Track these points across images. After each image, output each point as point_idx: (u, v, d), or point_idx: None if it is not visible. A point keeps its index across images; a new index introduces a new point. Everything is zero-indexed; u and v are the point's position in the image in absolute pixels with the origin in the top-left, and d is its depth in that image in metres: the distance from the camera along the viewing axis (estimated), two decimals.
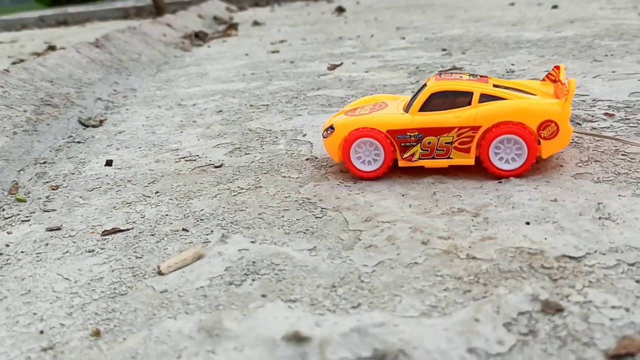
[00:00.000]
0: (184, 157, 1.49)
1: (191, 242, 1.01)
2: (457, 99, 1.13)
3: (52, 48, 4.77)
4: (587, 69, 1.96)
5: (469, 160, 1.15)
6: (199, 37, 4.37)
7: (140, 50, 3.19)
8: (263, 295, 0.83)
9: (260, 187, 1.23)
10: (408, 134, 1.15)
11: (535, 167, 1.16)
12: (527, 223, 0.93)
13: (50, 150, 1.62)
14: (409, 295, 0.78)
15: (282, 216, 1.08)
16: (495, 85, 1.16)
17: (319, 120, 1.69)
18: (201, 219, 1.11)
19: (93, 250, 1.03)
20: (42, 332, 0.80)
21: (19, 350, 0.77)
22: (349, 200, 1.11)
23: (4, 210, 1.25)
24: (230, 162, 1.41)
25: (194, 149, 1.55)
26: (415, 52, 2.75)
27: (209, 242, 1.01)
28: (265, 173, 1.31)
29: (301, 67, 2.68)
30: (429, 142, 1.15)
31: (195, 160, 1.46)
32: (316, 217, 1.05)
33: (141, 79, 2.72)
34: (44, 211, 1.23)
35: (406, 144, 1.16)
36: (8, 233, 1.13)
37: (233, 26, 4.91)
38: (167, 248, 1.00)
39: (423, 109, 1.15)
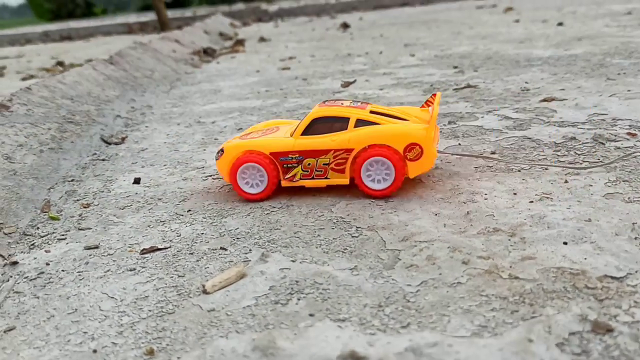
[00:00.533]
0: (210, 176, 1.51)
1: (231, 261, 1.03)
2: (335, 124, 1.25)
3: (60, 63, 4.80)
4: (602, 87, 1.99)
5: (344, 180, 1.25)
6: (207, 53, 4.41)
7: (152, 67, 3.22)
8: (311, 315, 0.84)
9: (292, 205, 1.25)
10: (290, 156, 1.26)
11: (566, 187, 1.18)
12: (565, 243, 0.95)
13: (76, 168, 1.64)
14: (456, 315, 0.80)
15: (319, 235, 1.09)
16: (372, 112, 1.26)
17: None
18: (237, 238, 1.12)
19: (134, 269, 1.04)
20: (95, 351, 0.82)
21: None
22: (382, 220, 1.13)
23: (38, 228, 1.26)
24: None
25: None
26: (427, 69, 2.79)
27: (249, 260, 1.02)
28: (295, 193, 1.33)
29: (314, 84, 2.71)
30: (309, 164, 1.26)
31: (222, 179, 1.48)
32: (352, 237, 1.07)
33: (156, 95, 2.74)
34: (79, 229, 1.24)
35: (288, 165, 1.27)
36: (46, 251, 1.15)
37: (240, 42, 4.96)
38: (207, 267, 1.02)
39: (305, 133, 1.26)
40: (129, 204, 1.36)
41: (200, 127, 2.05)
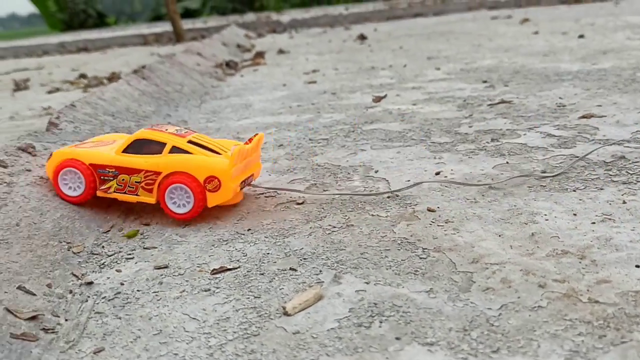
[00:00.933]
0: (262, 194, 1.53)
1: (304, 282, 1.05)
2: (153, 146, 1.37)
3: (83, 76, 4.85)
4: (639, 103, 2.01)
5: (151, 200, 1.37)
6: (230, 66, 4.45)
7: (181, 81, 3.26)
8: (397, 338, 0.86)
9: (352, 225, 1.27)
10: (107, 169, 1.38)
11: (625, 207, 1.20)
12: (638, 266, 0.97)
13: None
14: (545, 340, 0.81)
15: (386, 256, 1.11)
16: (190, 142, 1.38)
17: (384, 156, 1.74)
18: (304, 258, 1.15)
19: (209, 290, 1.06)
20: None
21: None
22: (447, 241, 1.15)
23: (103, 247, 1.29)
24: (311, 199, 1.45)
25: (269, 184, 1.60)
26: (456, 83, 2.81)
27: (322, 282, 1.04)
28: (350, 211, 1.35)
29: (344, 98, 2.74)
30: (123, 179, 1.38)
31: (275, 196, 1.50)
32: (420, 258, 1.09)
33: (189, 110, 2.78)
34: (144, 248, 1.27)
35: (105, 177, 1.39)
36: (117, 271, 1.17)
37: (260, 55, 5.00)
38: (282, 288, 1.04)
39: (126, 150, 1.38)
40: (188, 223, 1.38)
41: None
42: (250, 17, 12.64)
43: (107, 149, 1.43)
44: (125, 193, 1.38)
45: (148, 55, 6.31)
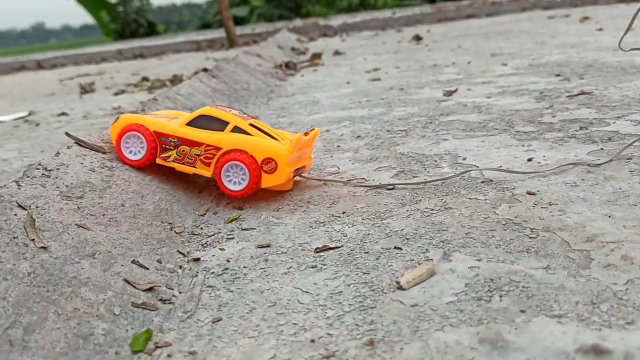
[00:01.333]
0: (350, 180, 1.54)
1: (412, 259, 1.05)
2: (216, 124, 1.42)
3: (145, 79, 4.98)
4: None
5: (208, 173, 1.41)
6: (289, 67, 4.49)
7: (247, 80, 3.31)
8: (522, 311, 0.84)
9: (451, 208, 1.26)
10: (170, 139, 1.43)
11: None
12: None
13: None
14: None
15: (493, 236, 1.10)
16: (251, 125, 1.42)
17: (469, 144, 1.71)
18: (407, 238, 1.14)
19: (316, 266, 1.07)
20: (313, 340, 0.84)
21: (300, 357, 0.81)
22: (555, 222, 1.12)
23: (202, 229, 1.32)
24: (402, 185, 1.44)
25: (356, 172, 1.60)
26: (527, 77, 2.76)
27: (431, 259, 1.03)
28: (445, 195, 1.34)
29: (413, 94, 2.72)
30: (183, 150, 1.42)
31: (363, 182, 1.50)
32: (530, 238, 1.07)
33: (257, 107, 2.82)
34: (242, 230, 1.29)
35: (166, 146, 1.44)
36: (221, 249, 1.19)
37: (317, 56, 5.03)
38: (390, 265, 1.04)
39: (190, 124, 1.43)
40: (281, 207, 1.40)
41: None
42: (298, 22, 12.74)
43: (171, 121, 1.48)
44: (183, 164, 1.42)
45: (203, 59, 6.44)
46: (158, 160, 1.45)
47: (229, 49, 8.17)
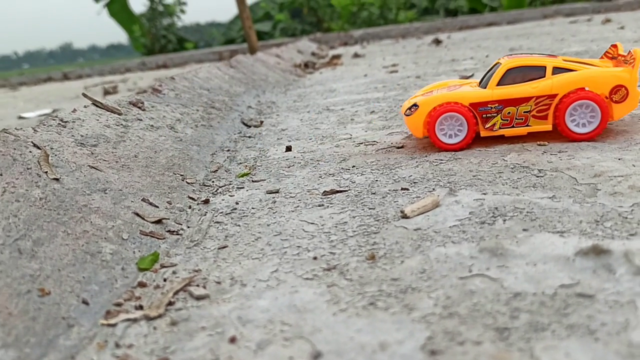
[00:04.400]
0: (362, 143, 1.54)
1: (418, 197, 1.05)
2: (532, 72, 1.26)
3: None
4: None
5: (547, 127, 1.27)
6: (308, 66, 4.53)
7: (265, 73, 3.35)
8: (525, 229, 0.84)
9: (459, 158, 1.26)
10: (489, 105, 1.27)
11: None
12: None
13: (229, 141, 1.73)
14: None
15: (500, 177, 1.10)
16: (564, 60, 1.28)
17: None
18: (414, 182, 1.14)
19: (322, 205, 1.08)
20: (315, 258, 0.85)
21: (302, 270, 0.82)
22: (564, 163, 1.12)
23: (213, 181, 1.34)
24: (412, 144, 1.45)
25: (367, 136, 1.61)
26: None
27: (439, 195, 1.04)
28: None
29: (429, 80, 2.73)
30: (509, 112, 1.27)
31: (374, 144, 1.51)
32: (537, 177, 1.07)
33: (275, 95, 2.85)
34: (253, 181, 1.30)
35: (487, 115, 1.28)
36: (231, 196, 1.21)
37: (336, 57, 5.07)
38: (396, 201, 1.04)
39: (500, 83, 1.28)
40: (292, 164, 1.41)
41: (332, 113, 2.10)
42: (319, 34, 12.84)
43: (469, 88, 1.33)
44: (512, 127, 1.28)
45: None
46: (483, 133, 1.30)
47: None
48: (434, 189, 1.08)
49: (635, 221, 0.82)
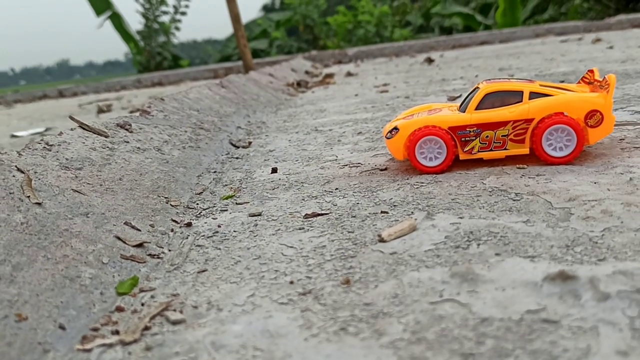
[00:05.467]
0: (346, 165, 1.56)
1: (396, 220, 1.06)
2: (510, 97, 1.30)
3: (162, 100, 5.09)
4: None
5: (524, 150, 1.30)
6: (301, 85, 4.57)
7: (257, 93, 3.38)
8: (497, 254, 0.86)
9: (440, 181, 1.28)
10: (468, 129, 1.31)
11: None
12: None
13: (216, 162, 1.74)
14: None
15: (478, 200, 1.11)
16: (542, 86, 1.31)
17: None
18: (394, 205, 1.16)
19: (303, 228, 1.09)
20: (292, 282, 0.86)
21: (277, 294, 0.83)
22: (540, 187, 1.13)
23: (198, 204, 1.35)
24: (395, 167, 1.47)
25: (353, 158, 1.62)
26: None
27: (416, 219, 1.05)
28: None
29: (418, 100, 2.75)
30: (487, 136, 1.30)
31: (358, 166, 1.53)
32: (514, 200, 1.09)
33: (265, 114, 2.87)
34: (237, 204, 1.32)
35: (466, 138, 1.31)
36: (214, 218, 1.22)
37: (329, 76, 5.11)
38: (375, 224, 1.06)
39: (478, 107, 1.31)
40: (276, 186, 1.43)
41: (320, 134, 2.13)
42: (313, 52, 12.94)
43: (449, 112, 1.36)
44: (491, 150, 1.31)
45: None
46: (462, 156, 1.33)
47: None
48: (412, 212, 1.10)
49: (604, 246, 0.83)
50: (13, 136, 3.62)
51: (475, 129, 1.30)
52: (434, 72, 4.52)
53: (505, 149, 1.30)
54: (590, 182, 1.13)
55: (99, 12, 11.70)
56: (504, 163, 1.34)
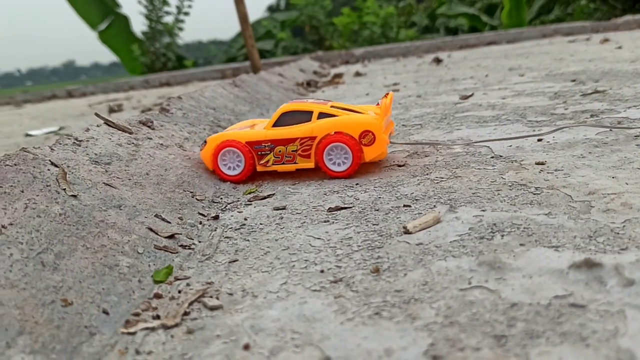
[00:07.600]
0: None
1: (420, 213, 1.09)
2: (301, 116, 1.44)
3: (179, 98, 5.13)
4: None
5: (310, 164, 1.44)
6: (310, 85, 4.60)
7: (268, 92, 3.41)
8: (522, 244, 0.89)
9: (459, 176, 1.31)
10: (263, 144, 1.45)
11: None
12: None
13: None
14: None
15: (498, 194, 1.14)
16: (332, 106, 1.45)
17: (482, 132, 1.76)
18: (416, 199, 1.19)
19: (328, 221, 1.12)
20: (322, 271, 0.89)
21: (310, 282, 0.86)
22: (560, 181, 1.16)
23: (222, 198, 1.38)
24: (414, 163, 1.49)
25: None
26: (544, 83, 2.81)
27: (439, 212, 1.08)
28: (456, 168, 1.39)
29: (430, 99, 2.78)
30: (280, 151, 1.44)
31: (376, 163, 1.56)
32: (534, 194, 1.11)
33: None
34: (261, 198, 1.35)
35: (262, 152, 1.46)
36: (239, 212, 1.26)
37: (338, 75, 5.14)
38: (399, 217, 1.09)
39: (275, 125, 1.46)
40: (297, 182, 1.46)
41: None
42: (320, 53, 12.98)
43: (256, 129, 1.50)
44: (283, 163, 1.45)
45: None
46: (259, 168, 1.47)
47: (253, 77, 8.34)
48: (435, 205, 1.13)
49: (626, 236, 0.86)
50: (27, 135, 3.67)
51: (269, 144, 1.45)
52: (443, 72, 4.55)
53: (295, 162, 1.45)
54: (608, 177, 1.15)
55: (94, 26, 11.69)
56: (521, 159, 1.36)
